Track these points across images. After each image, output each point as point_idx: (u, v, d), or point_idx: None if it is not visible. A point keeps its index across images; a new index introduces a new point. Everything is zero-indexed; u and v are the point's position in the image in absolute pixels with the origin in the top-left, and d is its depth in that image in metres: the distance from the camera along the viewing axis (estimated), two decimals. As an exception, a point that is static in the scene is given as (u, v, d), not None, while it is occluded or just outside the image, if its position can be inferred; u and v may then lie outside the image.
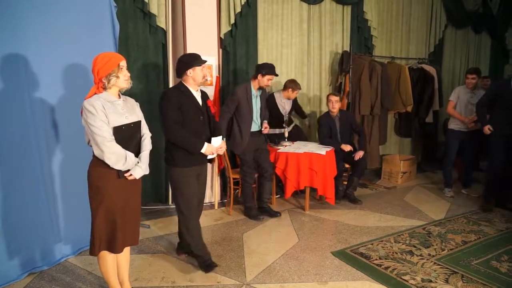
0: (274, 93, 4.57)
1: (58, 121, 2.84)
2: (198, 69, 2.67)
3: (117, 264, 2.33)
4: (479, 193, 4.63)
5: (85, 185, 2.93)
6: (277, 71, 4.91)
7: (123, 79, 2.14)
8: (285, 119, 4.34)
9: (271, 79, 3.81)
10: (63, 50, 2.82)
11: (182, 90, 2.68)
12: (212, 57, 4.17)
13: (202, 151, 2.64)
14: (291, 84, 4.45)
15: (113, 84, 2.11)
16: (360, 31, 5.56)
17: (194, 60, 2.69)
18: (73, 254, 3.01)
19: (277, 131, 4.41)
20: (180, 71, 2.71)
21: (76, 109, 2.90)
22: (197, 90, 2.76)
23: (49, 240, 2.85)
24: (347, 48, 5.31)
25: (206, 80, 2.74)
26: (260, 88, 3.83)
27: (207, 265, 2.80)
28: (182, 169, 2.69)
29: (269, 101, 4.38)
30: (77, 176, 2.95)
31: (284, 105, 4.52)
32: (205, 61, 2.72)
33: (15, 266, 2.65)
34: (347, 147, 4.30)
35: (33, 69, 2.65)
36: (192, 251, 2.86)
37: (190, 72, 2.66)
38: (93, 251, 2.12)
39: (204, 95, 2.84)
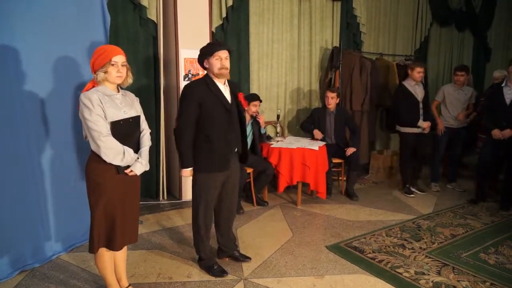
0: (403, 82, 4.53)
1: (48, 115, 2.75)
2: (212, 58, 2.41)
3: (114, 261, 2.29)
4: (464, 187, 4.79)
5: (76, 181, 2.92)
6: (268, 66, 4.96)
7: (115, 75, 2.05)
8: (277, 113, 4.34)
9: (256, 105, 3.96)
10: (52, 41, 2.73)
11: (207, 82, 2.45)
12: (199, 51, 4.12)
13: (182, 171, 2.47)
14: (411, 64, 4.47)
15: (102, 78, 2.03)
16: (349, 27, 5.60)
17: (208, 49, 2.44)
18: (64, 251, 2.94)
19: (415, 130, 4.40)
20: (200, 64, 2.51)
21: (67, 103, 2.87)
22: (224, 83, 2.51)
23: (40, 237, 2.77)
24: (336, 44, 5.35)
25: (223, 70, 2.43)
26: (252, 116, 3.97)
27: (219, 271, 2.68)
28: (206, 174, 2.51)
29: (400, 91, 4.46)
30: (68, 172, 2.92)
31: (416, 90, 4.41)
32: (219, 49, 2.41)
33: (5, 264, 2.57)
34: (318, 135, 4.39)
35: (21, 61, 2.56)
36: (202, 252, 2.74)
37: (206, 63, 2.46)
38: (92, 248, 2.07)
39: (233, 87, 2.59)
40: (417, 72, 4.34)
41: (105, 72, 2.03)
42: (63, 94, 2.83)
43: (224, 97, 2.49)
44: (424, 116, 4.43)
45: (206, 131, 2.44)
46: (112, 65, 2.04)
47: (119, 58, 2.07)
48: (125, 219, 2.14)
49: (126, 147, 2.06)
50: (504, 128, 3.90)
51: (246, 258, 2.89)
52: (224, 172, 2.54)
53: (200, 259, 2.75)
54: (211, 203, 2.61)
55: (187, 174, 2.50)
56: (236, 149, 2.60)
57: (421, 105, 4.41)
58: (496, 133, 3.96)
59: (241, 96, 2.60)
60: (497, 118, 3.98)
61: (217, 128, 2.44)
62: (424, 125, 4.38)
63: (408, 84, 4.43)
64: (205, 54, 2.45)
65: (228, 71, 2.48)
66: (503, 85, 3.98)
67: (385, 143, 6.30)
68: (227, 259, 2.89)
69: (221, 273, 2.66)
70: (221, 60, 2.42)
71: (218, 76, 2.46)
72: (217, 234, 2.84)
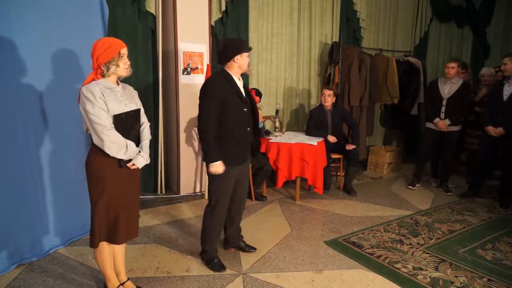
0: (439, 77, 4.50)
1: (46, 108, 2.73)
2: (245, 55, 2.47)
3: (113, 255, 2.28)
4: (456, 183, 4.86)
5: (74, 175, 2.90)
6: (268, 60, 4.95)
7: (123, 68, 2.06)
8: (276, 108, 4.33)
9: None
10: (50, 34, 2.70)
11: (227, 78, 2.47)
12: (203, 44, 4.10)
13: (212, 166, 2.42)
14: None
15: (112, 72, 2.03)
16: (349, 22, 5.58)
17: (243, 44, 2.48)
18: (62, 245, 2.93)
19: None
20: (228, 56, 2.46)
21: (65, 96, 2.83)
22: (239, 79, 2.55)
23: (38, 231, 2.76)
24: (336, 39, 5.34)
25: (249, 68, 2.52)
26: None
27: (217, 264, 2.69)
28: (228, 167, 2.51)
29: (429, 84, 4.55)
30: (66, 166, 2.89)
31: (443, 87, 4.30)
32: (248, 51, 2.51)
33: (3, 257, 2.56)
34: (332, 139, 4.34)
35: (19, 54, 2.53)
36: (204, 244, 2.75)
37: (237, 58, 2.45)
38: (93, 242, 2.06)
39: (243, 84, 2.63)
40: (445, 67, 4.29)
41: (117, 66, 2.02)
42: (61, 87, 2.80)
43: (241, 92, 2.53)
44: (449, 115, 4.29)
45: (228, 125, 2.47)
46: (121, 57, 2.04)
47: (125, 50, 2.08)
48: (128, 213, 2.14)
49: (128, 141, 2.04)
50: (500, 124, 3.91)
51: (251, 248, 2.95)
52: (241, 165, 2.59)
53: (203, 252, 2.75)
54: (228, 198, 2.65)
55: (218, 169, 2.44)
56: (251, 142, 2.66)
57: (444, 102, 4.29)
58: (489, 129, 3.99)
59: (253, 92, 2.64)
60: (493, 114, 3.98)
61: (238, 123, 2.49)
62: (439, 124, 4.31)
63: (441, 78, 4.42)
64: (240, 49, 2.46)
65: None
66: (504, 81, 3.97)
67: (384, 139, 6.31)
68: (233, 250, 2.93)
69: (220, 267, 2.66)
70: (248, 59, 2.52)
71: (243, 73, 2.54)
72: (226, 225, 2.87)
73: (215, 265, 2.67)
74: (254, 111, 2.65)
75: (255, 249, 2.96)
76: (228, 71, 2.49)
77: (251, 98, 2.63)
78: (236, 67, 2.48)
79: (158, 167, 4.18)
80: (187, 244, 3.04)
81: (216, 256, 2.73)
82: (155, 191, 4.26)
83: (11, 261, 2.60)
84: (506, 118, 3.87)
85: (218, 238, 2.79)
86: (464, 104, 4.31)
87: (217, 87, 2.43)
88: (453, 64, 4.24)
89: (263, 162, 3.98)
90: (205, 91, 2.44)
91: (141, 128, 2.19)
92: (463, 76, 4.65)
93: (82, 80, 2.07)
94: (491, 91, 4.17)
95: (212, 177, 2.56)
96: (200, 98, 2.47)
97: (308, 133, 4.44)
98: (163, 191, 4.27)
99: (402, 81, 5.60)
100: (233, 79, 2.49)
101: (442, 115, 4.33)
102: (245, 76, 4.70)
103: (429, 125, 4.50)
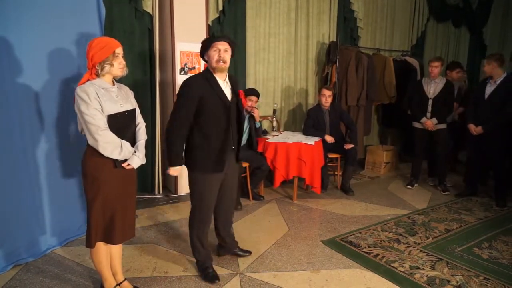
0: (424, 77, 4.53)
1: (42, 108, 2.72)
2: (210, 50, 2.30)
3: (109, 255, 2.28)
4: (454, 183, 4.85)
5: (71, 175, 2.90)
6: (265, 60, 4.94)
7: (118, 67, 2.05)
8: (274, 108, 4.32)
9: (252, 100, 3.95)
10: (47, 34, 2.69)
11: (207, 77, 2.32)
12: (200, 44, 4.08)
13: (171, 169, 2.32)
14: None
15: (106, 72, 2.03)
16: (346, 21, 5.59)
17: (206, 42, 2.33)
18: (59, 245, 2.92)
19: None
20: (201, 58, 2.42)
21: (61, 95, 2.83)
22: (224, 79, 2.37)
23: (34, 231, 2.75)
24: (333, 39, 5.34)
25: (221, 62, 2.28)
26: (246, 110, 3.88)
27: (208, 274, 2.55)
28: (201, 174, 2.39)
29: (413, 84, 4.54)
30: (63, 165, 2.89)
31: (429, 86, 4.33)
32: (218, 40, 2.29)
33: (-1, 257, 2.55)
34: (329, 139, 4.34)
35: (15, 54, 2.52)
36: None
37: (206, 56, 2.35)
38: (90, 242, 2.06)
39: (234, 84, 2.45)
40: (429, 66, 4.34)
41: (111, 65, 2.01)
42: (57, 87, 2.80)
43: (224, 94, 2.36)
44: (435, 114, 4.32)
45: (204, 128, 2.33)
46: (116, 57, 2.03)
47: (120, 50, 2.07)
48: (124, 213, 2.13)
49: (123, 141, 2.04)
50: (481, 122, 3.95)
51: (246, 252, 2.89)
52: (220, 173, 2.44)
53: (196, 260, 2.66)
54: (208, 203, 2.48)
55: (175, 173, 2.35)
56: (232, 147, 2.49)
57: (430, 102, 4.33)
58: (470, 127, 4.04)
59: (241, 94, 2.48)
60: (476, 112, 4.03)
61: (215, 126, 2.33)
62: (426, 123, 4.35)
63: (425, 79, 4.45)
64: (205, 46, 2.34)
65: (227, 65, 2.33)
66: (487, 81, 4.01)
67: (381, 138, 6.32)
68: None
69: (213, 278, 2.51)
70: (219, 51, 2.28)
71: (216, 70, 2.32)
72: (216, 231, 2.77)
73: (209, 276, 2.53)
74: (240, 116, 2.50)
75: (250, 252, 2.89)
76: (210, 71, 2.37)
77: (238, 102, 2.47)
78: (210, 64, 2.35)
79: (156, 167, 4.17)
80: (184, 244, 3.04)
81: (210, 266, 2.60)
82: (152, 191, 4.25)
83: (8, 261, 2.59)
84: (487, 116, 3.92)
85: (211, 245, 2.73)
86: (448, 103, 4.37)
87: (194, 87, 2.29)
88: (436, 63, 4.28)
89: (260, 162, 3.98)
90: (181, 90, 2.31)
91: (137, 128, 2.18)
92: (459, 76, 4.67)
93: (79, 80, 2.07)
94: (475, 90, 4.22)
95: (190, 182, 2.46)
96: (177, 95, 2.34)
97: (306, 132, 4.44)
98: (161, 191, 4.26)
99: (399, 80, 5.61)
100: (213, 79, 2.34)
101: (429, 115, 4.37)
102: (242, 76, 4.70)
103: (416, 124, 4.53)
